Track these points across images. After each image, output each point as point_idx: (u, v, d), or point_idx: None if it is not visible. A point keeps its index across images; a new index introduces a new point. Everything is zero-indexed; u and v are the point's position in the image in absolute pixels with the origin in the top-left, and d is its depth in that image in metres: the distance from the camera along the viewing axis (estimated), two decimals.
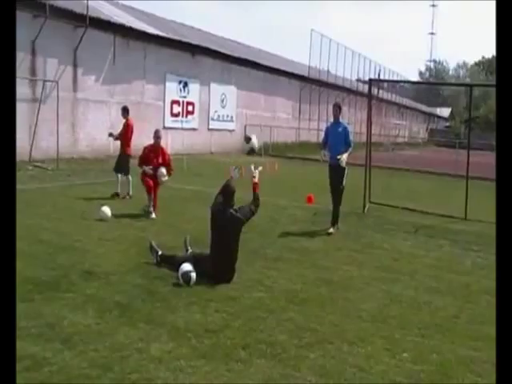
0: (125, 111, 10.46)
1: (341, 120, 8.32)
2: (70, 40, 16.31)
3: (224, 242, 5.27)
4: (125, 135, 10.35)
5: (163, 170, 8.59)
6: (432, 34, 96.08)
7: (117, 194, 9.97)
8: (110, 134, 10.65)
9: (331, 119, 8.60)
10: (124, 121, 10.47)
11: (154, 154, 8.63)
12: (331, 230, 8.10)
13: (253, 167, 5.74)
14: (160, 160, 8.65)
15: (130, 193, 10.08)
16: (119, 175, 10.30)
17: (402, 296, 5.21)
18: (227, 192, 5.44)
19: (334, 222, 8.21)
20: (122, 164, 10.30)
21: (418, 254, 7.13)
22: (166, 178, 8.70)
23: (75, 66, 16.73)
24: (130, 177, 10.20)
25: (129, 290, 4.80)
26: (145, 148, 8.74)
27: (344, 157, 7.90)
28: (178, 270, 5.09)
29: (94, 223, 7.61)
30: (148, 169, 8.53)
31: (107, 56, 17.85)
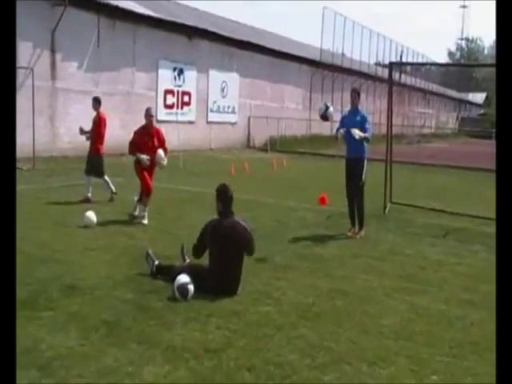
0: (96, 102, 10.25)
1: (359, 108, 8.33)
2: (46, 20, 16.36)
3: (226, 252, 5.28)
4: (97, 131, 10.14)
5: (161, 154, 8.54)
6: (464, 7, 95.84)
7: (87, 200, 9.80)
8: (81, 130, 10.32)
9: (347, 109, 8.60)
10: (95, 114, 10.25)
11: (148, 137, 8.55)
12: (362, 232, 8.27)
13: None
14: (156, 142, 8.59)
15: (114, 190, 10.08)
16: (91, 178, 10.12)
17: (430, 309, 5.20)
18: (226, 197, 5.43)
19: (361, 224, 8.32)
20: (94, 164, 10.11)
21: (447, 261, 7.11)
22: (166, 161, 8.69)
23: (53, 50, 16.81)
24: (106, 177, 10.13)
25: (118, 306, 4.81)
26: (135, 132, 8.64)
27: (359, 132, 7.83)
28: (173, 282, 5.11)
29: (77, 230, 7.65)
30: (146, 159, 8.44)
31: (91, 39, 17.95)
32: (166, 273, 5.55)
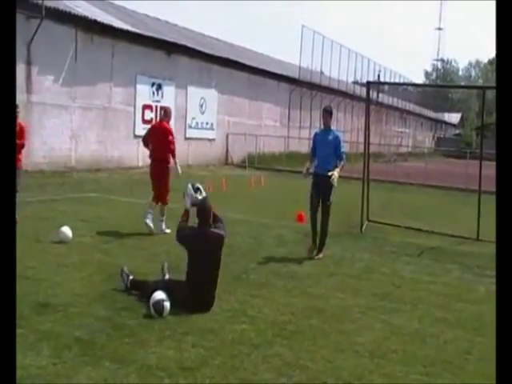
0: None
1: (332, 127, 8.44)
2: (21, 32, 16.13)
3: (203, 268, 5.31)
4: (18, 142, 8.80)
5: None
6: (439, 29, 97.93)
7: None
8: None
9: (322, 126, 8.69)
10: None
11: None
12: (320, 254, 8.09)
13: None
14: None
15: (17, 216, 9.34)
16: None
17: (405, 328, 5.26)
18: (204, 212, 5.50)
19: (322, 245, 8.19)
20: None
21: (422, 279, 7.21)
22: None
23: (29, 63, 16.65)
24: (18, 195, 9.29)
25: (91, 324, 4.78)
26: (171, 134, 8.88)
27: (336, 174, 7.86)
28: (149, 299, 5.10)
29: (51, 246, 7.57)
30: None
31: (68, 53, 17.86)
32: (141, 288, 5.54)
